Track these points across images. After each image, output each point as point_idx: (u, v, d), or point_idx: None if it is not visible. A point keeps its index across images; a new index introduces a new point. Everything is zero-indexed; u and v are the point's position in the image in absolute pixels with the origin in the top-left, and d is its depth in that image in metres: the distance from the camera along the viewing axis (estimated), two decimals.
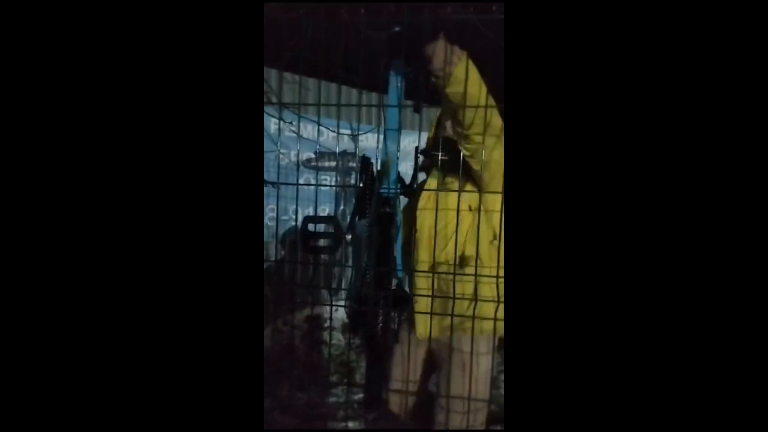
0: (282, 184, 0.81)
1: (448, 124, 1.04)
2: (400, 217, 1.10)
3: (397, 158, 1.06)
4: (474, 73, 0.82)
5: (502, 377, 2.28)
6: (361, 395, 1.91)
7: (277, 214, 2.70)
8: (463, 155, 0.90)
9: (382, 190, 0.99)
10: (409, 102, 1.13)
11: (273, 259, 2.63)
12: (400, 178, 1.11)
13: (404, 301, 1.00)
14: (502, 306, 0.84)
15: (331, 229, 0.98)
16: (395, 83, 1.06)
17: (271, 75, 2.72)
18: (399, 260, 1.00)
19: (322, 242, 0.97)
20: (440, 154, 0.94)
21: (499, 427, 1.82)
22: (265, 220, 2.66)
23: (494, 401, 2.06)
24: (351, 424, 1.64)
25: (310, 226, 0.96)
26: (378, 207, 0.99)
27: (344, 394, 1.78)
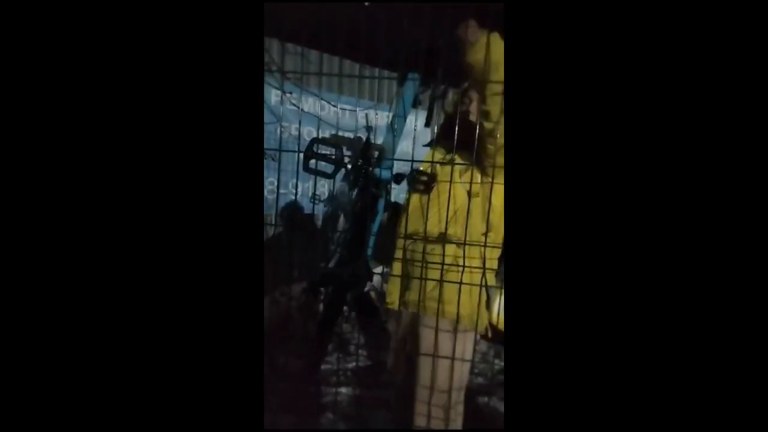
0: (283, 151, 0.81)
1: (471, 103, 1.04)
2: (382, 204, 1.12)
3: (395, 143, 1.07)
4: (499, 44, 0.82)
5: (492, 352, 2.35)
6: (353, 363, 1.98)
7: (277, 188, 2.71)
8: (479, 135, 0.89)
9: (376, 171, 1.00)
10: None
11: (271, 233, 2.67)
12: (396, 174, 1.12)
13: (370, 307, 1.02)
14: (465, 293, 0.87)
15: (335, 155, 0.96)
16: (411, 87, 1.08)
17: (272, 45, 2.67)
18: (371, 245, 1.02)
19: (322, 165, 0.97)
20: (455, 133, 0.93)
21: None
22: (266, 193, 2.67)
23: (483, 375, 2.14)
24: (343, 390, 1.71)
25: (315, 148, 0.95)
26: (366, 186, 1.00)
27: (337, 362, 1.85)
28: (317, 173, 0.95)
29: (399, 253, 1.02)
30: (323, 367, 1.74)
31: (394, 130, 1.13)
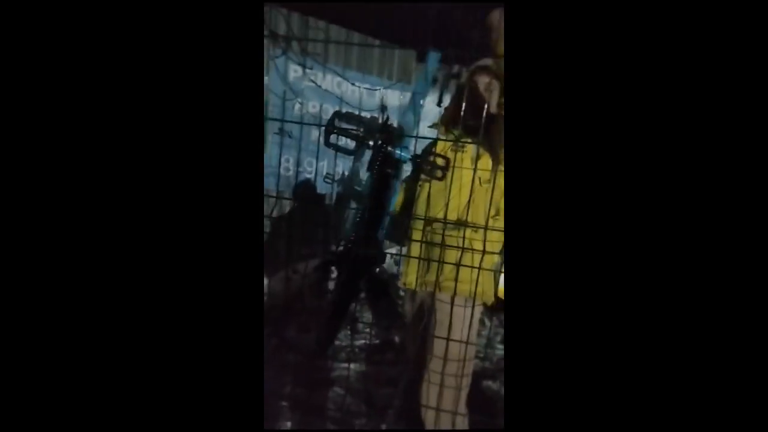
0: (301, 124, 0.81)
1: (493, 92, 1.03)
2: (398, 185, 1.11)
3: (415, 127, 1.05)
4: None
5: (498, 338, 2.38)
6: (363, 340, 2.02)
7: (297, 166, 2.71)
8: (497, 121, 0.90)
9: (391, 151, 0.99)
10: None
11: (287, 210, 2.69)
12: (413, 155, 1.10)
13: (381, 287, 1.02)
14: (482, 274, 0.89)
15: (359, 132, 0.95)
16: (434, 62, 1.06)
17: (293, 18, 2.62)
18: (386, 226, 1.02)
19: (343, 142, 0.95)
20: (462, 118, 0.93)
21: (490, 383, 1.93)
22: (281, 171, 2.68)
23: (488, 360, 2.17)
24: (352, 366, 1.76)
25: (336, 122, 0.93)
26: (383, 166, 0.99)
27: (347, 338, 1.89)
28: (338, 149, 0.94)
29: (417, 235, 1.03)
30: (335, 342, 1.78)
31: (416, 109, 1.11)
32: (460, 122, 1.00)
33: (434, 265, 1.00)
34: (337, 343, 1.83)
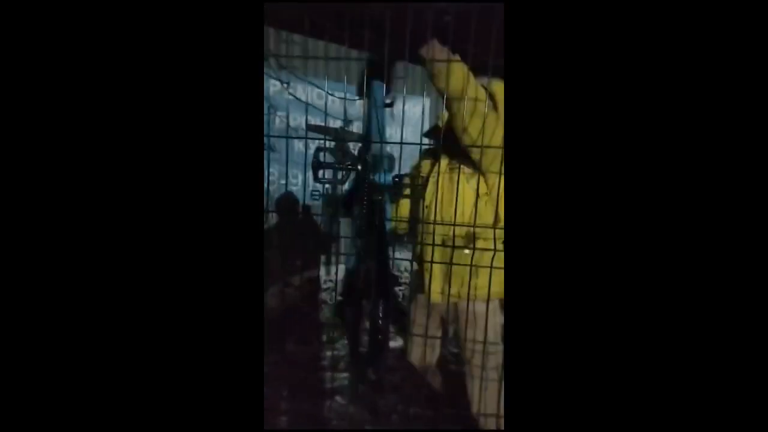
0: (279, 137, 0.83)
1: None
2: (390, 208, 1.14)
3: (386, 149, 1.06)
4: (459, 70, 0.85)
5: None
6: (362, 350, 2.02)
7: (267, 177, 2.69)
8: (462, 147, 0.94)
9: (375, 179, 1.01)
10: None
11: (274, 222, 2.67)
12: (397, 176, 1.12)
13: (401, 316, 1.03)
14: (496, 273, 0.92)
15: (341, 160, 0.97)
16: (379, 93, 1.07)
17: (269, 33, 2.63)
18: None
19: (329, 174, 0.98)
20: (441, 141, 0.96)
21: None
22: (268, 185, 2.66)
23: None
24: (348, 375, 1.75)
25: (320, 156, 0.96)
26: (370, 194, 1.01)
27: (345, 348, 1.88)
28: (328, 182, 0.97)
29: (437, 251, 1.03)
30: (333, 353, 1.78)
31: (378, 127, 1.12)
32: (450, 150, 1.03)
33: (457, 276, 1.02)
34: (335, 353, 1.83)
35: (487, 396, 1.05)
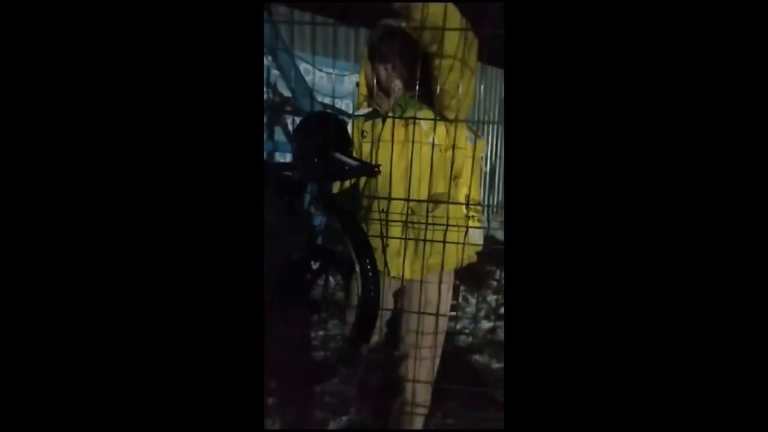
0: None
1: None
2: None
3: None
4: (453, 14, 0.80)
5: (482, 314, 2.44)
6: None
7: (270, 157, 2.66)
8: (434, 86, 0.88)
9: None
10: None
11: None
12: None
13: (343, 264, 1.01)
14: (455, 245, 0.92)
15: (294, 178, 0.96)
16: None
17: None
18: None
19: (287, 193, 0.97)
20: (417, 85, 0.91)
21: (477, 356, 1.99)
22: None
23: (474, 335, 2.24)
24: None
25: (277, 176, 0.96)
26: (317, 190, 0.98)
27: (335, 328, 1.90)
28: (286, 192, 0.96)
29: (396, 228, 1.01)
30: (320, 333, 1.78)
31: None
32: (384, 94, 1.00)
33: (420, 250, 1.00)
34: (322, 333, 1.84)
35: (420, 369, 1.07)
